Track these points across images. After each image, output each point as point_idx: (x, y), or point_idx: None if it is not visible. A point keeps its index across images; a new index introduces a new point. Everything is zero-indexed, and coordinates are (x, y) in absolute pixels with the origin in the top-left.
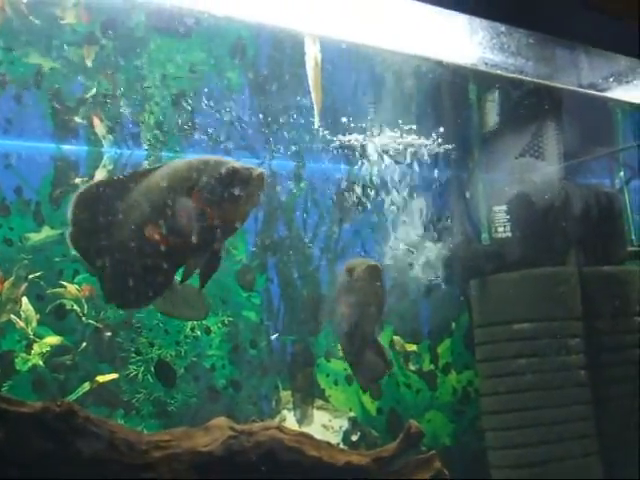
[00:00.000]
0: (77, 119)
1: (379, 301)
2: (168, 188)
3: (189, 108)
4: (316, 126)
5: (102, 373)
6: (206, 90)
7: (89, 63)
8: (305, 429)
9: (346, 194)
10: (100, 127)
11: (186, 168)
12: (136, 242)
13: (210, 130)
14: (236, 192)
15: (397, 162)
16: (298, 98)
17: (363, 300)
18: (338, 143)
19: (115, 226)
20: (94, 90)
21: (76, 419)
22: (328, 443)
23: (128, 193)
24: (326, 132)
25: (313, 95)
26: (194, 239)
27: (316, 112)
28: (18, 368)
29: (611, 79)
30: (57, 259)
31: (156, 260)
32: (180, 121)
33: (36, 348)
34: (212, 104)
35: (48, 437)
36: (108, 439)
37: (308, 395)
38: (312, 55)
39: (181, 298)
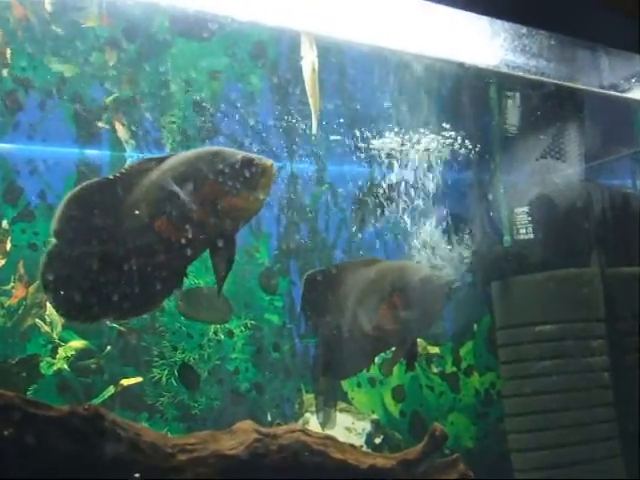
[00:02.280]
0: (100, 124)
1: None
2: (179, 181)
3: (211, 112)
4: (313, 132)
5: (126, 377)
6: (228, 94)
7: (111, 68)
8: (328, 432)
9: (368, 197)
10: (122, 132)
11: (195, 159)
12: (146, 241)
13: (232, 134)
14: (251, 181)
15: (418, 164)
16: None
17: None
18: (360, 146)
19: (117, 230)
20: (116, 95)
21: (103, 422)
22: (353, 446)
23: (129, 191)
24: (347, 135)
25: (310, 101)
26: (210, 232)
27: (314, 118)
28: (43, 372)
29: (633, 80)
30: None
31: (169, 256)
32: (202, 125)
33: (61, 352)
34: (234, 108)
35: (76, 440)
36: (135, 442)
37: (331, 398)
38: (309, 59)
39: (204, 301)
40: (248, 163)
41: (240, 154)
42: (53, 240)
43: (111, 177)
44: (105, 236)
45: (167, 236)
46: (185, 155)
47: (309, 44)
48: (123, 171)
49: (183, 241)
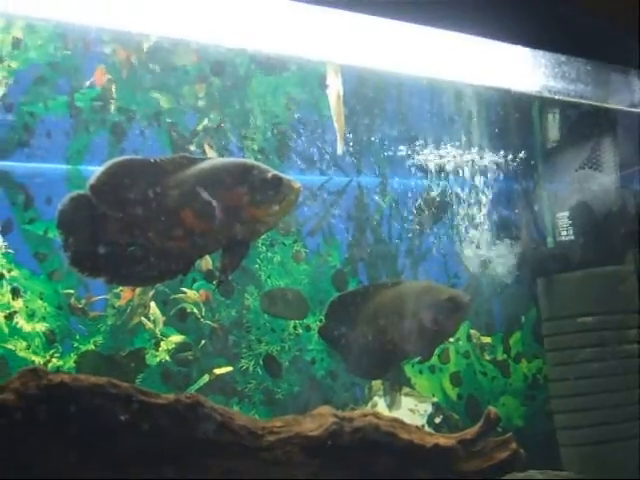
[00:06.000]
0: (192, 147)
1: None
2: (212, 181)
3: (287, 136)
4: (339, 153)
5: (219, 366)
6: (302, 120)
7: (201, 99)
8: (394, 413)
9: (426, 206)
10: (211, 154)
11: (231, 166)
12: (168, 223)
13: (305, 153)
14: (276, 199)
15: (471, 177)
16: (383, 125)
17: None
18: (419, 162)
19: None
20: (206, 122)
21: (203, 408)
22: (417, 427)
23: (166, 176)
24: (408, 153)
25: (336, 126)
26: (228, 234)
27: (339, 141)
28: (148, 363)
29: None
30: None
31: (184, 243)
32: (279, 147)
33: (163, 346)
34: (306, 131)
35: (181, 425)
36: (229, 425)
37: (396, 383)
38: (334, 87)
39: (285, 300)
40: (277, 182)
41: (272, 172)
42: (86, 192)
43: (153, 160)
44: (132, 205)
45: (189, 226)
46: (224, 161)
47: (334, 73)
48: (165, 159)
49: (202, 235)
